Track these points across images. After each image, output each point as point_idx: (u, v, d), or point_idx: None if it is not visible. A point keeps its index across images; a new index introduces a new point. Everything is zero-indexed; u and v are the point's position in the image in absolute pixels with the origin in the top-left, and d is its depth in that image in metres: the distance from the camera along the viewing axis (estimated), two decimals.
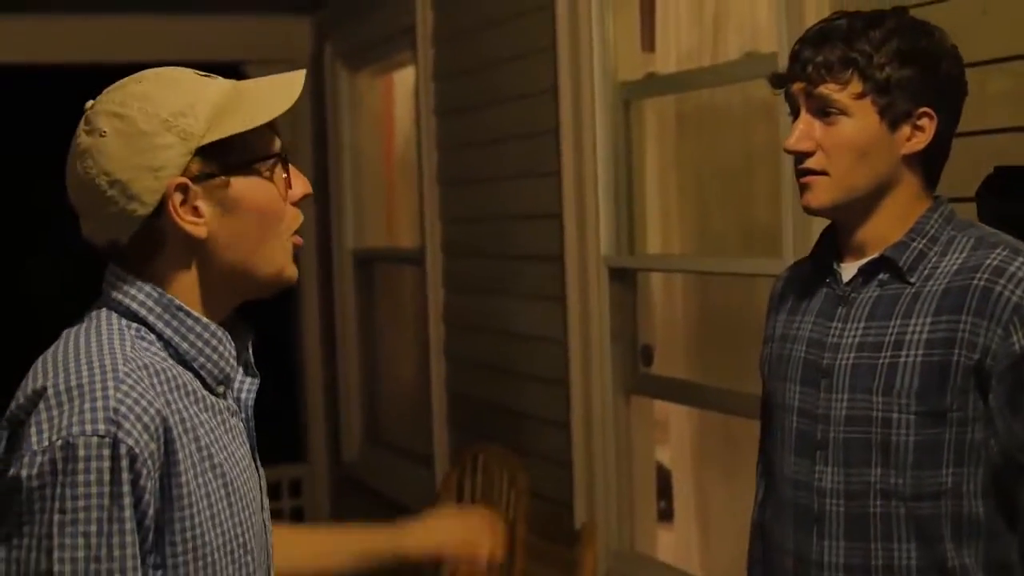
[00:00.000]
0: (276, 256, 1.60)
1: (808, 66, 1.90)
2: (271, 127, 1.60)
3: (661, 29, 3.95)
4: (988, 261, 1.84)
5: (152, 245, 1.56)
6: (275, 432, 5.98)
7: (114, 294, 1.57)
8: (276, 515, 6.42)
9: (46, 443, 1.43)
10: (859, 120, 1.89)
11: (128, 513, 1.43)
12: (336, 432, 6.06)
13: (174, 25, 5.74)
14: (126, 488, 1.43)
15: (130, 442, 1.43)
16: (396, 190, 5.85)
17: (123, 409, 1.44)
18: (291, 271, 1.62)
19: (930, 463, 1.85)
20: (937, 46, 1.92)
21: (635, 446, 3.81)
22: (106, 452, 1.42)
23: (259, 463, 1.69)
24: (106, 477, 1.42)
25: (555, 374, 3.96)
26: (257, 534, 1.61)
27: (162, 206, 1.53)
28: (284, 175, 1.60)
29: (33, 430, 1.44)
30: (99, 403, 1.44)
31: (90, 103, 1.58)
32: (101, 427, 1.43)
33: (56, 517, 1.42)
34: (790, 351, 2.02)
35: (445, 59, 4.71)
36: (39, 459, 1.42)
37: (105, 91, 1.58)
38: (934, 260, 1.90)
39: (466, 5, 4.53)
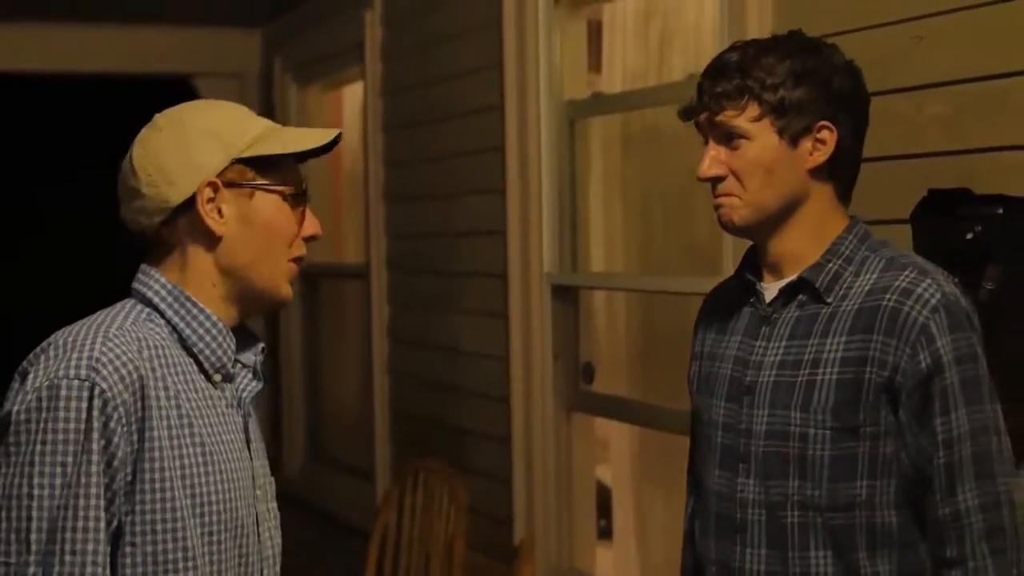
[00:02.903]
0: (275, 273, 1.82)
1: (707, 97, 1.99)
2: (298, 170, 1.85)
3: (607, 50, 3.99)
4: (897, 282, 1.92)
5: (175, 234, 1.78)
6: None
7: (136, 286, 1.80)
8: None
9: (37, 384, 1.67)
10: (760, 141, 1.97)
11: (96, 446, 1.65)
12: (278, 446, 6.03)
13: (124, 36, 5.72)
14: (96, 424, 1.65)
15: (104, 386, 1.65)
16: (343, 205, 5.85)
17: (104, 360, 1.67)
18: (286, 291, 1.84)
19: (845, 476, 1.92)
20: (828, 63, 1.99)
21: (575, 463, 3.82)
22: (84, 394, 1.65)
23: (255, 457, 1.85)
24: (83, 415, 1.64)
25: (497, 391, 3.97)
26: (240, 512, 1.77)
27: (192, 200, 1.75)
28: (301, 209, 1.83)
29: (31, 375, 1.69)
30: (84, 354, 1.67)
31: (158, 115, 1.83)
32: (83, 372, 1.66)
33: (38, 447, 1.65)
34: (717, 369, 2.09)
35: (393, 75, 4.72)
36: (28, 397, 1.67)
37: (174, 107, 1.84)
38: (849, 280, 1.97)
39: (415, 22, 4.55)
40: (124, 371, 1.68)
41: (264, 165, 1.80)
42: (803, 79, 1.96)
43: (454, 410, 4.31)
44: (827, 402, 1.92)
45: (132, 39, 5.72)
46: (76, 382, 1.65)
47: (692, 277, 3.55)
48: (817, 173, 1.99)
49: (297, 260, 1.85)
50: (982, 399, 1.89)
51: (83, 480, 1.64)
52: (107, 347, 1.69)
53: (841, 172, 2.01)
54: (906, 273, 1.92)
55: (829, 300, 1.97)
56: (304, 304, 5.86)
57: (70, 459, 1.64)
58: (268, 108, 5.88)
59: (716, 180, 2.00)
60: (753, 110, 1.96)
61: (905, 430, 1.90)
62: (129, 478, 1.68)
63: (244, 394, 1.86)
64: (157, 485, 1.69)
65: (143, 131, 1.82)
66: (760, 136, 1.97)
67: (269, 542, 1.85)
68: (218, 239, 1.78)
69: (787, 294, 2.01)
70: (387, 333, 4.82)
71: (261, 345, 1.89)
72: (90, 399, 1.65)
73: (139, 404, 1.68)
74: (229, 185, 1.78)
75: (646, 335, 3.95)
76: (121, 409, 1.66)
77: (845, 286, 1.96)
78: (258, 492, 1.84)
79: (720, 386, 2.07)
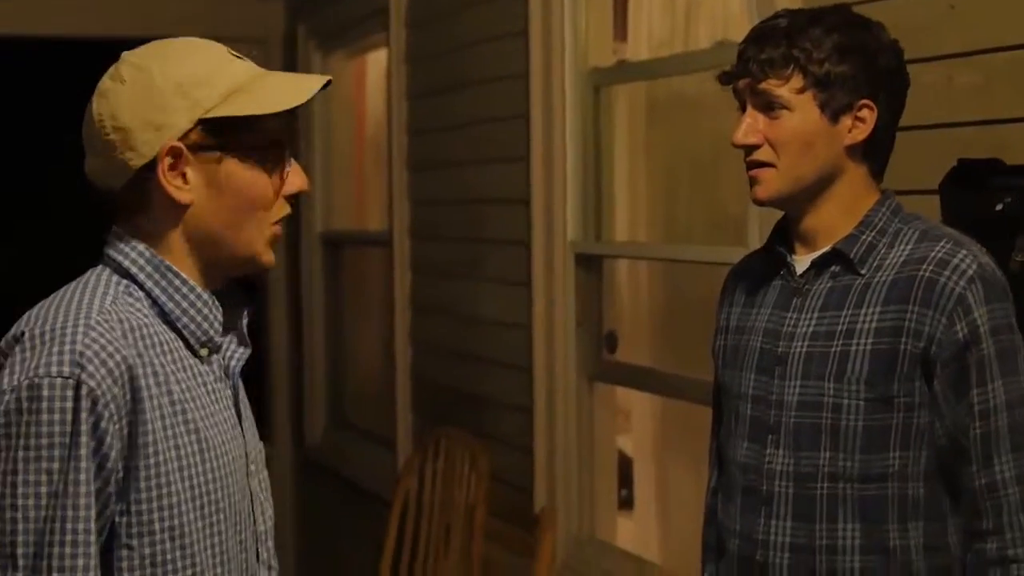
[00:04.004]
0: (252, 240, 1.65)
1: (752, 63, 1.97)
2: (288, 119, 1.65)
3: (633, 17, 3.96)
4: (933, 253, 1.91)
5: (140, 199, 1.61)
6: None
7: (110, 251, 1.63)
8: None
9: (15, 383, 1.50)
10: (801, 114, 1.95)
11: (84, 451, 1.49)
12: (300, 414, 6.05)
13: (147, 1, 5.71)
14: (85, 427, 1.49)
15: (92, 384, 1.50)
16: (366, 173, 5.84)
17: (88, 353, 1.51)
18: (267, 257, 1.67)
19: (878, 447, 1.91)
20: (874, 40, 1.98)
21: (597, 433, 3.82)
22: (69, 393, 1.49)
23: (246, 430, 1.72)
24: (68, 417, 1.49)
25: (519, 359, 3.96)
26: (235, 497, 1.64)
27: (155, 163, 1.59)
28: (281, 165, 1.65)
29: (6, 372, 1.52)
30: (66, 347, 1.51)
31: (124, 53, 1.65)
32: (66, 369, 1.50)
33: (20, 453, 1.49)
34: (747, 342, 2.08)
35: (417, 42, 4.70)
36: (6, 398, 1.50)
37: (143, 46, 1.65)
38: (883, 252, 1.96)
39: None
40: (112, 363, 1.52)
41: (236, 124, 1.61)
42: (849, 54, 1.94)
43: (476, 379, 4.31)
44: (861, 372, 1.91)
45: (155, 4, 5.71)
46: (60, 380, 1.49)
47: (717, 247, 3.53)
48: (853, 151, 1.98)
49: (279, 222, 1.67)
50: (1018, 370, 1.89)
51: (71, 489, 1.49)
52: (91, 337, 1.52)
53: (876, 152, 2.01)
54: (942, 244, 1.92)
55: (863, 271, 1.96)
56: (326, 272, 5.87)
57: (56, 465, 1.48)
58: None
59: (751, 148, 1.99)
60: (797, 81, 1.94)
61: (941, 401, 1.89)
62: (121, 475, 1.53)
63: (232, 362, 1.71)
64: (153, 481, 1.54)
65: (107, 79, 1.63)
66: (801, 108, 1.95)
67: (262, 517, 1.74)
68: (184, 207, 1.61)
69: (819, 266, 2.00)
70: (409, 301, 4.81)
71: (247, 309, 1.73)
72: (76, 399, 1.49)
73: (129, 397, 1.53)
74: (194, 148, 1.60)
75: (670, 305, 3.94)
76: (112, 406, 1.51)
77: (879, 257, 1.96)
78: (251, 467, 1.71)
79: (750, 358, 2.05)
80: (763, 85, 1.96)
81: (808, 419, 1.96)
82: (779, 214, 2.81)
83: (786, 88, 1.95)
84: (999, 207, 2.18)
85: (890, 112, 1.99)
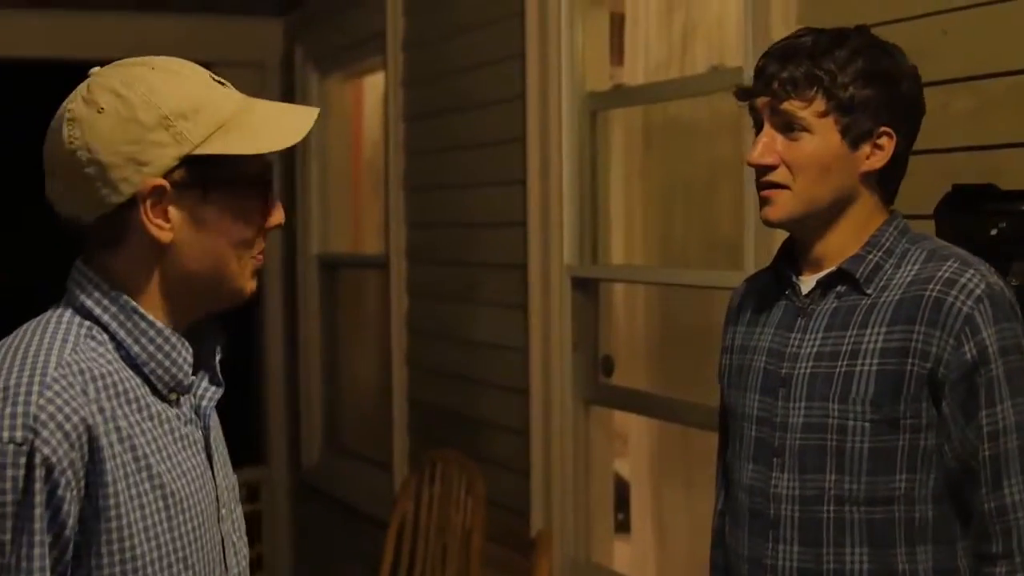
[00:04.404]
0: (236, 275, 1.56)
1: (773, 81, 1.93)
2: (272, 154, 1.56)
3: (630, 42, 3.98)
4: (940, 273, 1.88)
5: (114, 235, 1.51)
6: (235, 435, 5.98)
7: (74, 290, 1.53)
8: None
9: None
10: (821, 137, 1.92)
11: (39, 525, 1.39)
12: (296, 436, 6.04)
13: (144, 24, 5.72)
14: (39, 499, 1.39)
15: (47, 451, 1.39)
16: (363, 195, 5.85)
17: (43, 416, 1.40)
18: (249, 288, 1.59)
19: (884, 469, 1.88)
20: (898, 67, 1.95)
21: (593, 456, 3.81)
22: (22, 460, 1.38)
23: (218, 471, 1.63)
24: (20, 485, 1.38)
25: (516, 383, 3.96)
26: (205, 550, 1.56)
27: (134, 200, 1.48)
28: (267, 201, 1.57)
29: None
30: (20, 409, 1.40)
31: (95, 70, 1.53)
32: (18, 434, 1.39)
33: None
34: (750, 362, 2.05)
35: (415, 65, 4.71)
36: None
37: (114, 65, 1.53)
38: (889, 272, 1.94)
39: (437, 11, 4.53)
40: (69, 426, 1.40)
41: (222, 161, 1.50)
42: (874, 80, 1.91)
43: (472, 401, 4.31)
44: (866, 393, 1.88)
45: (154, 26, 5.72)
46: (11, 447, 1.38)
47: (712, 271, 3.54)
48: (868, 177, 1.96)
49: (260, 253, 1.59)
50: None
51: (24, 564, 1.38)
52: (46, 397, 1.40)
53: (891, 179, 1.98)
54: (949, 263, 1.89)
55: (869, 291, 1.93)
56: (322, 294, 5.87)
57: (8, 537, 1.38)
58: (289, 97, 5.87)
59: (766, 168, 1.95)
60: (820, 104, 1.91)
61: (949, 423, 1.86)
62: (80, 542, 1.42)
63: (203, 402, 1.60)
64: (116, 546, 1.44)
65: (77, 105, 1.49)
66: (821, 132, 1.92)
67: (235, 560, 1.64)
68: (163, 247, 1.51)
69: (825, 286, 1.97)
70: (406, 324, 4.81)
71: (219, 345, 1.63)
72: (29, 467, 1.38)
73: (88, 459, 1.42)
74: (178, 186, 1.49)
75: (666, 328, 3.94)
76: (69, 472, 1.40)
77: (886, 278, 1.93)
78: (222, 511, 1.62)
79: (754, 379, 2.03)
80: (784, 105, 1.92)
81: (813, 441, 1.92)
82: (776, 238, 2.82)
83: (809, 111, 1.91)
84: (994, 232, 2.18)
85: (907, 140, 1.97)
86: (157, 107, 1.47)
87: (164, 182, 1.48)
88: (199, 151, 1.49)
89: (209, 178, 1.50)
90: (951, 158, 2.43)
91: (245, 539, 1.69)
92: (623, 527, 4.25)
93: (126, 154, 1.47)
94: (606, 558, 3.85)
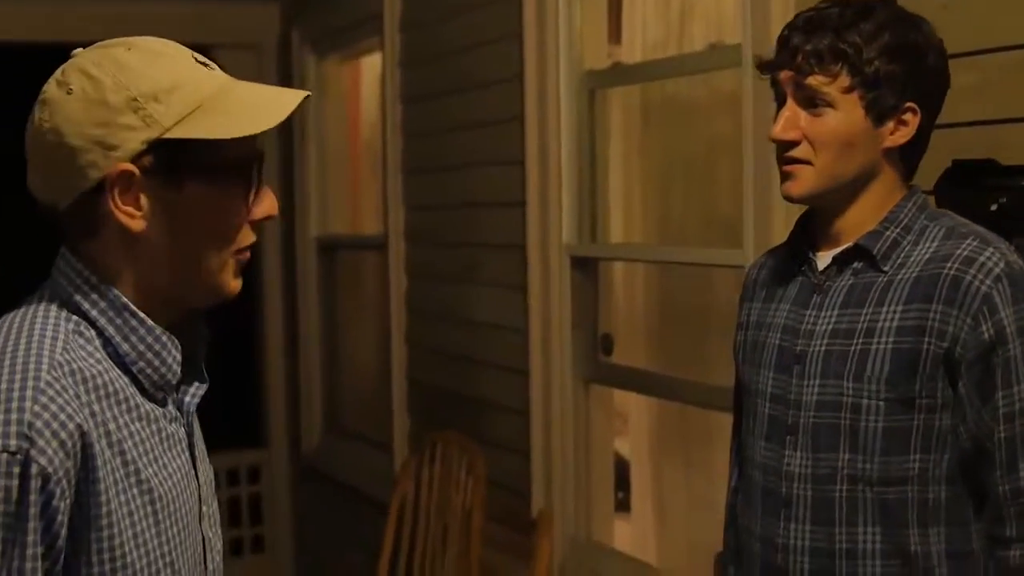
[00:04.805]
0: (214, 272, 1.47)
1: (798, 54, 1.89)
2: (257, 137, 1.45)
3: (628, 20, 3.97)
4: (959, 251, 1.85)
5: (87, 224, 1.44)
6: (235, 418, 5.97)
7: (60, 280, 1.46)
8: (234, 502, 6.37)
9: None
10: (845, 113, 1.89)
11: (32, 538, 1.33)
12: (296, 418, 6.04)
13: (140, 7, 5.70)
14: (33, 510, 1.33)
15: (43, 461, 1.32)
16: (361, 177, 5.84)
17: (39, 424, 1.33)
18: (230, 287, 1.50)
19: (898, 449, 1.86)
20: (925, 40, 1.92)
21: (594, 435, 3.81)
22: (16, 470, 1.31)
23: (200, 469, 1.58)
24: (14, 496, 1.32)
25: (515, 362, 3.96)
26: (189, 552, 1.52)
27: (103, 186, 1.41)
28: (250, 190, 1.47)
29: None
30: (13, 416, 1.33)
31: (76, 51, 1.46)
32: (12, 443, 1.32)
33: None
34: (765, 338, 2.03)
35: (412, 46, 4.70)
36: None
37: (94, 45, 1.46)
38: (907, 249, 1.91)
39: None
40: (64, 433, 1.34)
41: (197, 145, 1.41)
42: (900, 55, 1.88)
43: (472, 382, 4.31)
44: (881, 372, 1.85)
45: (150, 9, 5.70)
46: (5, 456, 1.31)
47: (711, 249, 3.53)
48: (891, 153, 1.93)
49: (244, 250, 1.49)
50: None
51: None
52: (40, 403, 1.33)
53: (913, 154, 1.96)
54: (968, 242, 1.86)
55: (886, 268, 1.90)
56: (321, 276, 5.86)
57: None
58: (286, 79, 5.86)
59: (788, 144, 1.92)
60: (844, 79, 1.87)
61: (965, 403, 1.84)
62: (69, 549, 1.37)
63: (188, 398, 1.54)
64: (107, 555, 1.39)
65: (51, 87, 1.43)
66: (845, 107, 1.88)
67: (211, 555, 1.59)
68: (136, 236, 1.43)
69: (841, 262, 1.95)
70: (405, 305, 4.81)
71: (203, 340, 1.56)
72: (22, 477, 1.31)
73: (81, 467, 1.36)
74: (148, 173, 1.40)
75: (665, 307, 3.94)
76: (64, 482, 1.34)
77: (903, 255, 1.90)
78: (203, 509, 1.57)
79: (768, 356, 2.00)
80: (809, 80, 1.88)
81: (827, 419, 1.90)
82: (775, 216, 2.82)
83: (833, 86, 1.88)
84: (994, 207, 2.17)
85: (931, 115, 1.94)
86: (126, 88, 1.40)
87: (132, 167, 1.40)
88: (170, 135, 1.40)
89: (182, 164, 1.41)
90: (951, 133, 2.41)
91: (220, 535, 1.64)
92: (623, 506, 4.26)
93: (93, 137, 1.39)
94: (606, 537, 3.86)
